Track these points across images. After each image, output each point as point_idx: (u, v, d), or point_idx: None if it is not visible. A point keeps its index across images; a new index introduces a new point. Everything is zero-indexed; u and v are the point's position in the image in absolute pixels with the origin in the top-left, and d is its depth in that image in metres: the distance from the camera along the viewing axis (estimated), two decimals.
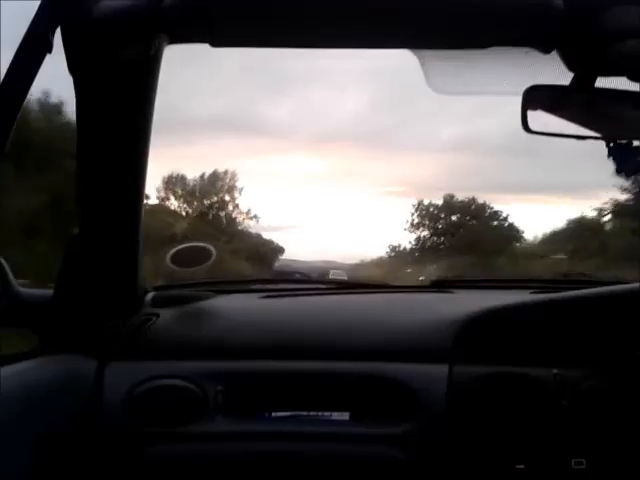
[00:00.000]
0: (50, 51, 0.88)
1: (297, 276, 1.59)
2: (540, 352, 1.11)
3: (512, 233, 12.83)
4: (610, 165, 1.08)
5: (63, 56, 0.96)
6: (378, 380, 1.12)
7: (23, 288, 1.21)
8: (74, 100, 1.04)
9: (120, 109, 1.07)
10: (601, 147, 1.08)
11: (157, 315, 1.23)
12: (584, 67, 0.98)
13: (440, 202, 13.77)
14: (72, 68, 1.00)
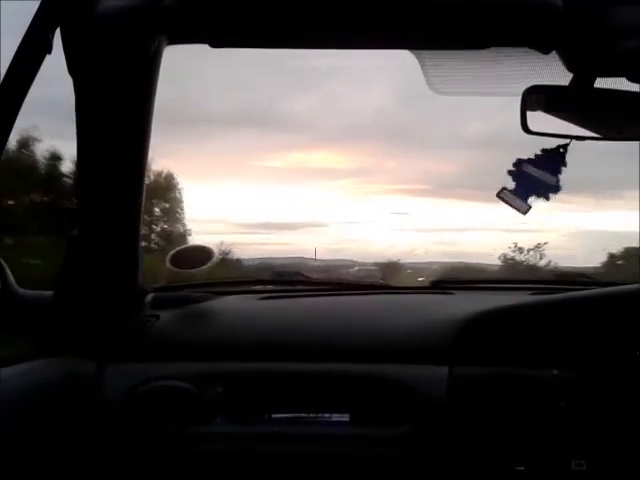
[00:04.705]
0: (50, 51, 0.88)
1: (298, 277, 1.58)
2: (540, 353, 1.11)
3: None
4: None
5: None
6: (378, 381, 1.11)
7: (23, 289, 1.21)
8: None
9: (120, 109, 1.07)
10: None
11: (157, 316, 1.23)
12: (583, 67, 0.98)
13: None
14: (72, 68, 1.01)
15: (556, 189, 1.08)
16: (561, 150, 1.06)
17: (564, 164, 1.07)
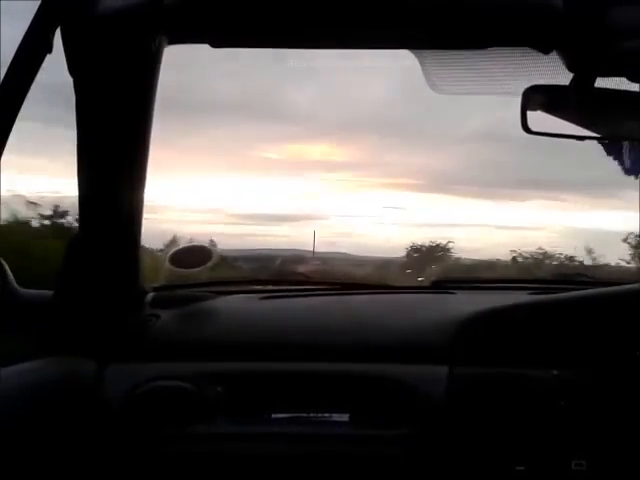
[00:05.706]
0: (50, 51, 0.88)
1: (298, 277, 1.58)
2: (540, 353, 1.11)
3: None
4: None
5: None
6: (378, 381, 1.12)
7: (23, 289, 1.21)
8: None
9: (120, 109, 1.07)
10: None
11: (157, 316, 1.23)
12: (583, 67, 0.98)
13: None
14: (72, 68, 1.01)
15: None
16: None
17: None
